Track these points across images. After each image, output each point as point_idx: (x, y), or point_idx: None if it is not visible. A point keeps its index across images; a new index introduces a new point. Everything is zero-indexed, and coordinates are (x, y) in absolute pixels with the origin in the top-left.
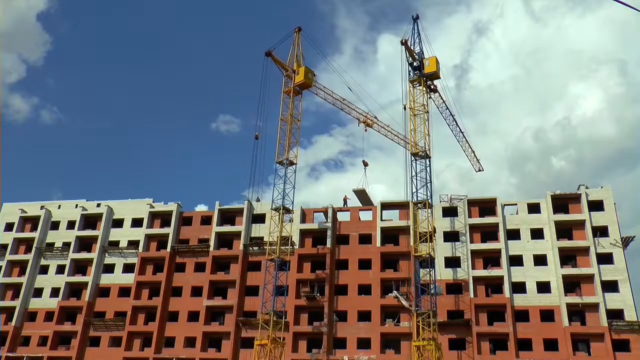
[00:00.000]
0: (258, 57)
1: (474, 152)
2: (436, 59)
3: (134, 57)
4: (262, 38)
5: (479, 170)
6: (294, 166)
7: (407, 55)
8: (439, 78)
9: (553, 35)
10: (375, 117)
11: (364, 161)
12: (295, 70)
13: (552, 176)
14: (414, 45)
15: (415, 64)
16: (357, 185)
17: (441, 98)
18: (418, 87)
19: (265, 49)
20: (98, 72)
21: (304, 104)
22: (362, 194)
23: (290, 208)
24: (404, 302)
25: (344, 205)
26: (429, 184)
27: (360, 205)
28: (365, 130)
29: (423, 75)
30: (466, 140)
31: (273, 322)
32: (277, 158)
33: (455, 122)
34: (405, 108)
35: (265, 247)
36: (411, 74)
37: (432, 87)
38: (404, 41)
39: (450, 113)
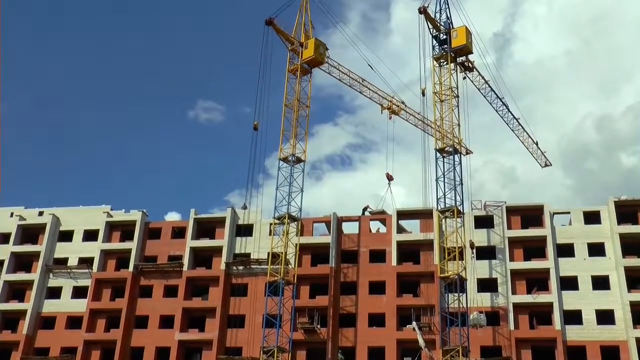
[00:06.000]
0: (247, 27)
1: (536, 144)
2: (466, 29)
3: (89, 28)
4: (251, 3)
5: (546, 165)
6: (301, 164)
7: (430, 27)
8: (471, 53)
9: None
10: (403, 103)
11: (388, 174)
12: (302, 43)
13: (620, 177)
14: (440, 13)
15: (441, 36)
16: (376, 205)
17: (482, 78)
18: (445, 66)
19: (255, 16)
20: (42, 47)
21: (302, 85)
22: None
23: (298, 216)
24: (420, 340)
25: (363, 215)
26: (458, 187)
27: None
28: (390, 117)
29: (451, 50)
30: (523, 129)
31: None
32: (281, 154)
33: (506, 107)
34: (423, 93)
35: (252, 266)
36: (436, 50)
37: (466, 64)
38: (422, 9)
39: (497, 96)
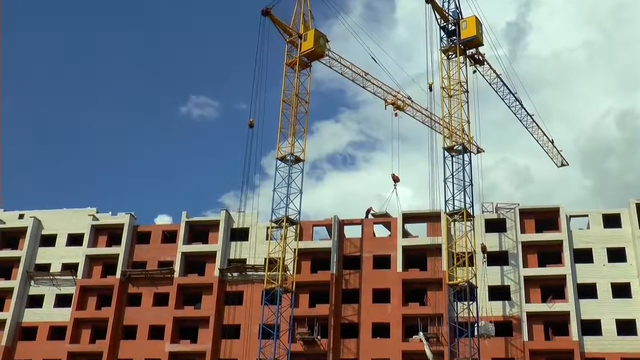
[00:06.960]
0: (243, 18)
1: (551, 142)
2: (476, 19)
3: (77, 19)
4: None
5: (562, 165)
6: (300, 163)
7: (437, 17)
8: (482, 44)
9: None
10: (409, 98)
11: (393, 175)
12: (301, 34)
13: None
14: (448, 2)
15: (449, 27)
16: (380, 208)
17: (494, 72)
18: (454, 59)
19: (251, 6)
20: (26, 38)
21: (301, 79)
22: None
23: (297, 219)
24: (428, 352)
25: (366, 217)
26: (468, 188)
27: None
28: (396, 114)
29: (460, 42)
30: (538, 127)
31: None
32: (279, 153)
33: (520, 102)
34: (431, 88)
35: (248, 272)
36: (444, 41)
37: (477, 57)
38: None
39: (510, 91)
